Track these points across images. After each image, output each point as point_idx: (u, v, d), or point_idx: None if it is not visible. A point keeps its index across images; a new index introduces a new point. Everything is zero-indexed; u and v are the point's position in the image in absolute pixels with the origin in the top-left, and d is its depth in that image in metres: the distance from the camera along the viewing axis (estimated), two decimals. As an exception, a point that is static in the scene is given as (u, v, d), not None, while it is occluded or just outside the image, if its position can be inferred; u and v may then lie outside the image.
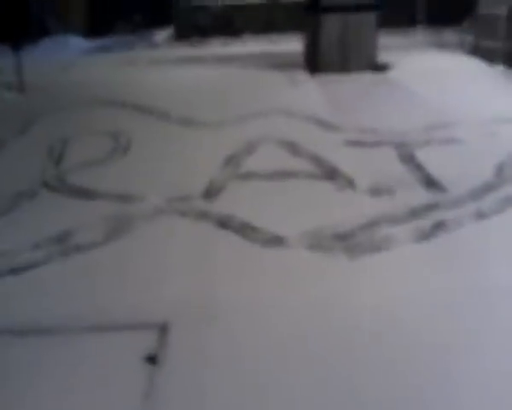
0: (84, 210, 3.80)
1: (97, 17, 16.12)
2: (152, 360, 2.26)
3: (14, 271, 3.06)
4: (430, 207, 3.53)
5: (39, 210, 3.91)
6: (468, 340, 2.32)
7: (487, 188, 3.80)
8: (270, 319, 2.51)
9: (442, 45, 9.87)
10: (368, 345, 2.30)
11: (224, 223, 3.47)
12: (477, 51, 8.36)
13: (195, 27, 13.98)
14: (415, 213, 3.46)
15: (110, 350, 2.36)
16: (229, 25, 13.92)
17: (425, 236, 3.18)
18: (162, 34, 15.42)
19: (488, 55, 7.91)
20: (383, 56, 7.89)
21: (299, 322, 2.48)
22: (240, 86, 7.18)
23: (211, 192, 3.98)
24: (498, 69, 7.43)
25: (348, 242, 3.14)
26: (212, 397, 2.08)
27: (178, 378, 2.17)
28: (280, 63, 8.47)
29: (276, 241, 3.20)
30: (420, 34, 12.26)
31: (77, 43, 14.00)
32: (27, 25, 7.77)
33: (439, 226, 3.26)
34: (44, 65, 9.39)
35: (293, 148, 4.72)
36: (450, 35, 11.27)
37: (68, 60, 10.63)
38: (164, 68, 9.00)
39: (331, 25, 7.47)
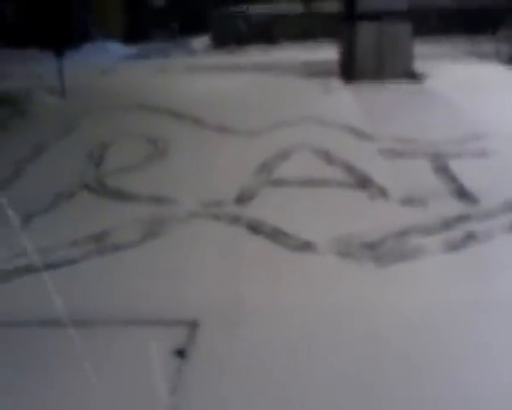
0: (121, 212, 3.93)
1: (135, 24, 16.49)
2: (181, 353, 2.35)
3: (51, 266, 3.19)
4: (461, 219, 3.53)
5: (78, 210, 4.06)
6: (490, 352, 2.33)
7: (520, 201, 3.78)
8: (297, 323, 2.57)
9: (478, 55, 9.77)
10: (390, 352, 2.34)
11: (255, 228, 3.54)
12: (514, 62, 8.26)
13: (233, 35, 14.16)
14: (446, 223, 3.47)
15: (142, 343, 2.45)
16: (266, 33, 14.05)
17: (455, 247, 3.19)
18: (199, 41, 15.67)
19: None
20: (419, 65, 7.86)
21: (326, 326, 2.53)
22: (276, 94, 7.27)
23: (243, 198, 4.07)
24: (536, 81, 7.33)
25: (377, 250, 3.18)
26: (234, 392, 2.15)
27: (205, 373, 2.25)
28: (316, 71, 8.52)
29: (306, 247, 3.26)
30: (455, 43, 12.15)
31: (116, 49, 14.34)
32: (71, 31, 8.04)
33: (469, 238, 3.27)
34: (84, 70, 9.67)
35: (327, 156, 4.77)
36: (485, 44, 11.14)
37: (107, 65, 10.91)
38: (201, 75, 9.17)
39: (366, 33, 7.49)
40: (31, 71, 9.69)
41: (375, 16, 7.43)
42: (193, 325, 2.53)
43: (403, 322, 2.53)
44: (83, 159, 5.06)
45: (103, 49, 13.86)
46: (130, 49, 14.48)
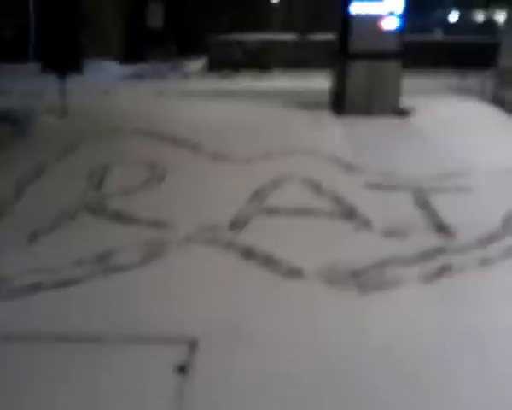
0: (121, 234, 4.18)
1: (133, 44, 16.81)
2: (182, 369, 2.59)
3: (59, 285, 3.43)
4: (438, 251, 3.83)
5: (80, 231, 4.30)
6: (460, 379, 2.60)
7: (494, 236, 4.08)
8: (286, 344, 2.83)
9: (463, 90, 10.19)
10: (368, 372, 2.61)
11: (248, 253, 3.81)
12: (497, 100, 8.67)
13: (228, 60, 14.54)
14: (423, 255, 3.76)
15: (145, 360, 2.70)
16: (260, 60, 14.45)
17: (431, 278, 3.48)
18: (194, 65, 16.03)
19: (508, 106, 8.21)
20: (406, 100, 8.24)
21: (313, 347, 2.79)
22: (268, 123, 7.60)
23: (237, 224, 4.34)
24: (517, 120, 7.72)
25: (360, 278, 3.46)
26: (232, 407, 2.40)
27: (204, 388, 2.50)
28: (307, 102, 8.87)
29: (296, 273, 3.53)
30: (443, 78, 12.60)
31: (113, 69, 14.63)
32: (75, 53, 8.31)
33: (444, 270, 3.56)
34: (83, 90, 9.93)
35: (315, 186, 5.07)
36: (472, 80, 11.59)
37: (106, 86, 11.19)
38: (196, 100, 9.48)
39: (358, 70, 7.91)
40: (31, 89, 9.93)
41: (367, 55, 7.85)
42: (193, 343, 2.78)
43: (382, 348, 2.80)
44: (83, 180, 5.31)
45: (101, 68, 14.14)
46: (127, 70, 14.77)
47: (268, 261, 3.69)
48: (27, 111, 7.97)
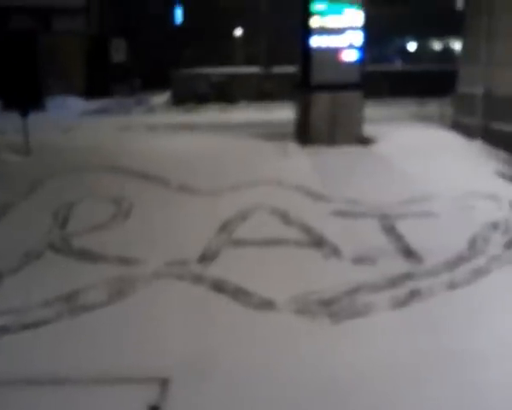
0: (88, 272, 4.10)
1: (96, 79, 16.79)
2: (154, 409, 2.53)
3: (27, 326, 3.33)
4: (407, 277, 3.87)
5: (46, 270, 4.19)
6: (434, 399, 2.61)
7: (460, 259, 4.16)
8: (260, 376, 2.79)
9: (424, 118, 10.48)
10: (341, 398, 2.59)
11: (218, 287, 3.78)
12: (456, 126, 8.94)
13: (192, 94, 14.64)
14: (392, 281, 3.80)
15: (116, 401, 2.62)
16: (224, 92, 14.60)
17: (401, 303, 3.50)
18: (159, 98, 16.09)
19: (466, 131, 8.47)
20: (368, 129, 8.42)
21: (286, 378, 2.77)
22: (234, 155, 7.64)
23: (206, 257, 4.30)
24: (476, 145, 7.96)
25: (332, 307, 3.46)
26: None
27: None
28: (272, 133, 8.98)
29: (267, 305, 3.51)
30: (403, 105, 12.95)
31: (76, 104, 14.56)
32: (37, 91, 8.25)
33: (413, 295, 3.60)
34: (46, 127, 9.84)
35: (283, 216, 5.09)
36: (431, 107, 11.95)
37: (69, 122, 11.10)
38: (161, 134, 9.49)
39: (320, 101, 8.08)
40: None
41: (329, 87, 8.03)
42: (164, 382, 2.72)
43: (356, 374, 2.79)
44: (48, 219, 5.22)
45: (64, 104, 14.06)
46: (91, 105, 14.71)
47: (239, 294, 3.66)
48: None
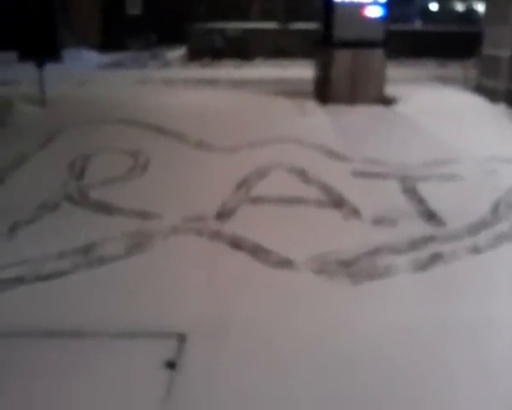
0: (105, 224, 4.06)
1: (111, 32, 16.55)
2: (171, 365, 2.50)
3: (42, 278, 3.31)
4: (429, 240, 3.78)
5: (62, 222, 4.16)
6: (454, 369, 2.56)
7: (483, 224, 4.06)
8: (277, 335, 2.75)
9: (446, 80, 10.21)
10: (361, 366, 2.55)
11: (236, 244, 3.72)
12: (480, 89, 8.69)
13: (208, 49, 14.39)
14: (414, 244, 3.72)
15: (133, 355, 2.60)
16: (241, 48, 14.32)
17: (422, 266, 3.43)
18: (174, 53, 15.84)
19: (490, 94, 8.23)
20: (390, 89, 8.21)
21: (304, 339, 2.72)
22: (252, 112, 7.50)
23: (223, 214, 4.24)
24: (500, 108, 7.74)
25: (351, 268, 3.40)
26: (222, 402, 2.32)
27: (194, 383, 2.41)
28: (291, 90, 8.80)
29: (286, 263, 3.46)
30: (425, 67, 12.63)
31: (91, 57, 14.38)
32: (53, 41, 8.11)
33: (435, 258, 3.52)
34: (62, 79, 9.72)
35: (302, 175, 5.00)
36: (455, 70, 11.64)
37: (85, 74, 10.97)
38: (177, 89, 9.34)
39: (342, 58, 7.84)
40: (7, 78, 9.70)
41: (351, 43, 7.79)
42: (181, 338, 2.69)
43: (376, 338, 2.74)
44: (64, 170, 5.17)
45: (79, 56, 13.88)
46: (106, 58, 14.53)
47: (257, 251, 3.60)
48: (5, 100, 7.76)
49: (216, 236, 3.86)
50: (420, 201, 4.49)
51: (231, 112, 7.56)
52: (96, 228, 3.99)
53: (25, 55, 7.80)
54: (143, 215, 4.20)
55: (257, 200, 4.52)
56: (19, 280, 3.26)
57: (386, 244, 3.70)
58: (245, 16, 16.67)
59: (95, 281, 3.29)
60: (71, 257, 3.55)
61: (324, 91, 8.04)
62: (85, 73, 11.27)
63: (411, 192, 4.67)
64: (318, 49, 8.43)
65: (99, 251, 3.63)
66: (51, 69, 8.60)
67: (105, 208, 4.34)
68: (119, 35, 16.68)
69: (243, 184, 4.84)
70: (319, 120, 7.06)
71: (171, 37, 16.64)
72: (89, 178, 5.03)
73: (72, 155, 5.50)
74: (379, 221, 4.10)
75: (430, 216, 4.21)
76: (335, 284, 3.23)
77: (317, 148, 5.81)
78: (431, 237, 3.82)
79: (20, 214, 4.18)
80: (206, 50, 14.33)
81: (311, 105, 7.91)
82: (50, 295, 3.15)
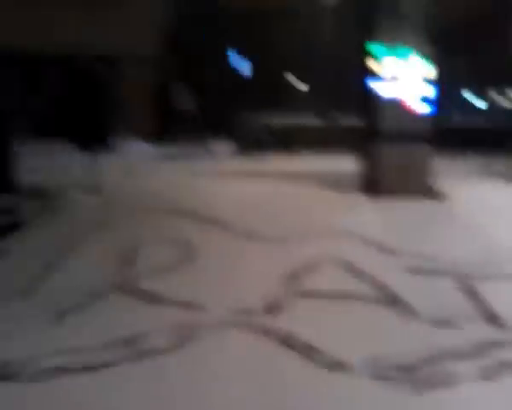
0: (152, 315, 3.97)
1: (161, 124, 17.21)
2: None
3: (88, 369, 3.20)
4: (495, 345, 3.52)
5: (110, 311, 4.09)
6: None
7: (552, 329, 3.77)
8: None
9: (492, 174, 10.05)
10: None
11: (286, 341, 3.55)
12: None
13: (255, 141, 14.77)
14: (479, 349, 3.46)
15: None
16: (287, 140, 14.62)
17: (490, 375, 3.16)
18: (223, 144, 16.27)
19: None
20: (439, 183, 8.09)
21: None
22: (300, 204, 7.48)
23: (273, 307, 4.09)
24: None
25: (412, 374, 3.16)
26: None
27: None
28: (337, 183, 8.78)
29: (339, 366, 3.25)
30: (472, 161, 12.52)
31: (143, 148, 14.90)
32: (105, 130, 8.52)
33: (505, 366, 3.25)
34: (113, 168, 10.01)
35: (353, 270, 4.84)
36: (498, 164, 11.50)
37: (135, 165, 11.30)
38: (226, 180, 9.47)
39: (389, 153, 7.84)
40: (61, 165, 10.05)
41: (398, 138, 7.82)
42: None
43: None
44: (115, 259, 5.17)
45: (131, 148, 14.40)
46: (158, 150, 15.01)
47: (308, 351, 3.41)
48: (58, 188, 8.00)
49: (265, 332, 3.69)
50: (480, 301, 4.24)
51: (279, 203, 7.56)
52: (143, 318, 3.91)
53: (78, 145, 8.14)
54: (191, 307, 4.09)
55: (307, 294, 4.37)
56: (62, 370, 3.17)
57: (449, 348, 3.45)
58: (290, 108, 17.15)
59: (138, 374, 3.16)
60: (116, 348, 3.44)
61: (372, 185, 8.00)
62: (137, 163, 11.61)
63: (470, 291, 4.43)
64: (365, 144, 8.47)
65: (144, 343, 3.52)
66: (104, 159, 8.91)
67: (153, 299, 4.26)
68: (169, 127, 17.33)
69: (292, 276, 4.71)
70: (368, 214, 6.95)
71: (219, 129, 17.18)
72: (138, 267, 5.01)
73: (122, 244, 5.53)
74: (438, 322, 3.86)
75: (492, 318, 3.95)
76: (396, 392, 3.00)
77: (368, 242, 5.66)
78: (497, 342, 3.55)
79: (69, 301, 4.15)
80: (254, 143, 14.71)
81: (360, 198, 7.84)
82: (93, 386, 3.03)
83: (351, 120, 12.55)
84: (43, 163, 10.22)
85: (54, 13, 15.28)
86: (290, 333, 3.63)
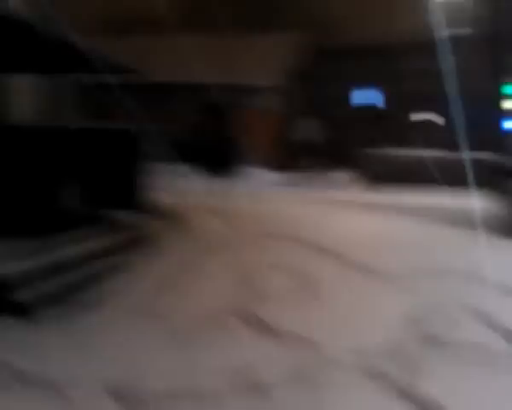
0: (267, 347, 3.84)
1: (283, 153, 17.35)
2: None
3: (195, 395, 3.11)
4: None
5: (225, 338, 4.00)
6: None
7: None
8: None
9: None
10: None
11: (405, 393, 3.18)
12: None
13: (378, 174, 14.47)
14: None
15: None
16: (410, 174, 14.11)
17: None
18: (344, 175, 16.05)
19: None
20: None
21: None
22: (424, 241, 7.01)
23: (395, 353, 3.75)
24: None
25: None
26: None
27: None
28: (465, 220, 8.10)
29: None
30: None
31: (265, 175, 15.11)
32: (230, 158, 8.72)
33: None
34: (238, 194, 10.15)
35: (485, 317, 4.36)
36: None
37: (257, 191, 11.36)
38: (347, 212, 9.20)
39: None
40: (187, 187, 10.31)
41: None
42: None
43: None
44: (234, 282, 5.13)
45: (253, 175, 14.68)
46: (279, 177, 15.16)
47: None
48: (183, 208, 8.17)
49: (400, 392, 3.26)
50: None
51: (402, 239, 7.15)
52: (255, 350, 3.79)
53: (206, 169, 8.39)
54: (308, 342, 3.91)
55: (434, 341, 3.98)
56: (170, 396, 3.11)
57: None
58: (406, 141, 16.56)
59: (248, 407, 3.03)
60: (226, 377, 3.33)
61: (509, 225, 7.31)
62: (258, 190, 11.68)
63: None
64: (498, 179, 7.85)
65: (256, 375, 3.37)
66: (229, 184, 9.04)
67: (269, 330, 4.12)
68: (290, 156, 17.43)
69: (416, 318, 4.35)
70: (505, 256, 6.28)
71: (340, 160, 16.97)
72: (256, 293, 4.90)
73: (243, 269, 5.49)
74: None
75: None
76: None
77: (503, 287, 5.09)
78: None
79: (184, 323, 4.14)
80: (376, 176, 14.45)
81: (495, 238, 7.16)
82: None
83: (481, 155, 11.82)
84: (171, 184, 10.59)
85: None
86: (426, 397, 3.14)
